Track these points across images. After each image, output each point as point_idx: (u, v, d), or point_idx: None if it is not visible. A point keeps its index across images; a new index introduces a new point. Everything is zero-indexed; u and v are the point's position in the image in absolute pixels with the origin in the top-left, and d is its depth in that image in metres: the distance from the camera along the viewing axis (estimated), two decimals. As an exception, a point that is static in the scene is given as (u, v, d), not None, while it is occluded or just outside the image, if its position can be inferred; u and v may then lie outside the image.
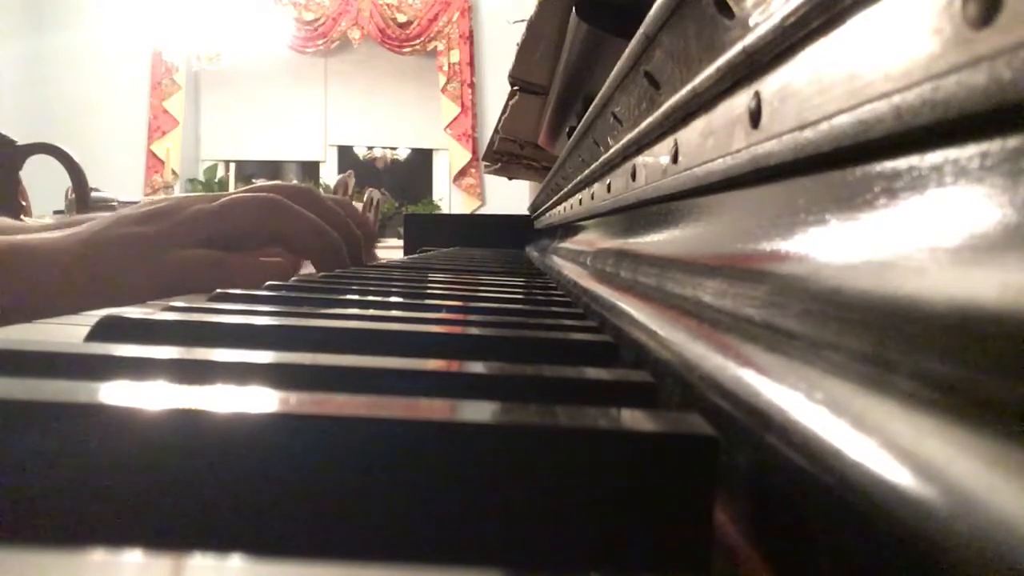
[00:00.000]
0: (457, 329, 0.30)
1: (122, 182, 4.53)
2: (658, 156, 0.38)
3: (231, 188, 5.17)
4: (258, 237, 0.52)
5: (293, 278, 0.47)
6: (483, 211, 4.92)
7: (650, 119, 0.38)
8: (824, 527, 0.12)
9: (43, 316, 0.44)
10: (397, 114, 5.39)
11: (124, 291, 0.46)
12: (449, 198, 5.28)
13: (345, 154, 5.50)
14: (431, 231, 1.91)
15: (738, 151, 0.24)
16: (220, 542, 0.12)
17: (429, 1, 5.12)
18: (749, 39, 0.23)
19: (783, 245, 0.20)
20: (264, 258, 0.53)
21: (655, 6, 0.35)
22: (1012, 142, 0.12)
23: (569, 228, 0.95)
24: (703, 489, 0.13)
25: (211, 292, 0.45)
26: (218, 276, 0.48)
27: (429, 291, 0.48)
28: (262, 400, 0.14)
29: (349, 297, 0.41)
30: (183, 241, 0.49)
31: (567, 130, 1.04)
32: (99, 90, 5.05)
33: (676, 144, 0.34)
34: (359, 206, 3.67)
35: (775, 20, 0.20)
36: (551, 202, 1.16)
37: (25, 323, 0.29)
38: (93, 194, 1.93)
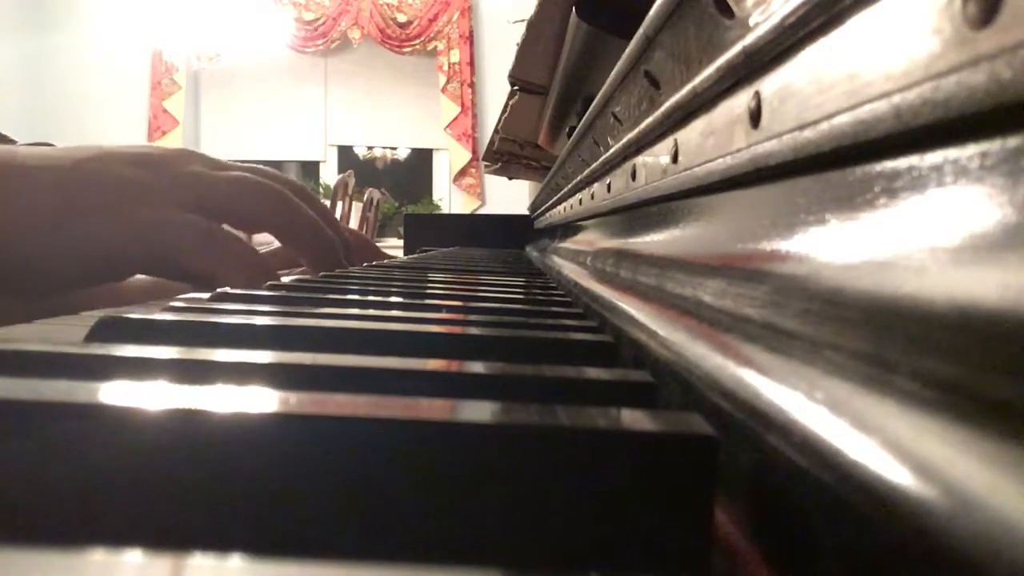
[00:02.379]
0: (457, 329, 0.30)
1: (122, 182, 4.52)
2: (658, 156, 0.38)
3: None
4: (252, 221, 0.50)
5: (292, 278, 0.47)
6: (483, 211, 4.92)
7: (650, 119, 0.38)
8: (824, 527, 0.12)
9: (10, 233, 0.41)
10: (397, 114, 5.39)
11: (101, 233, 0.43)
12: (449, 198, 5.28)
13: (345, 154, 5.50)
14: (431, 231, 1.91)
15: (738, 151, 0.24)
16: (220, 542, 0.12)
17: (429, 1, 5.12)
18: (749, 39, 0.23)
19: (783, 245, 0.20)
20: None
21: (655, 6, 0.35)
22: (1012, 142, 0.12)
23: (569, 228, 0.95)
24: (703, 489, 0.13)
25: (194, 260, 0.44)
26: (204, 249, 0.45)
27: (429, 291, 0.48)
28: (262, 400, 0.14)
29: (349, 297, 0.41)
30: (174, 198, 0.45)
31: (567, 130, 1.04)
32: (99, 90, 5.05)
33: (676, 144, 0.34)
34: (359, 206, 3.67)
35: (775, 20, 0.20)
36: (551, 202, 1.16)
37: (25, 323, 0.29)
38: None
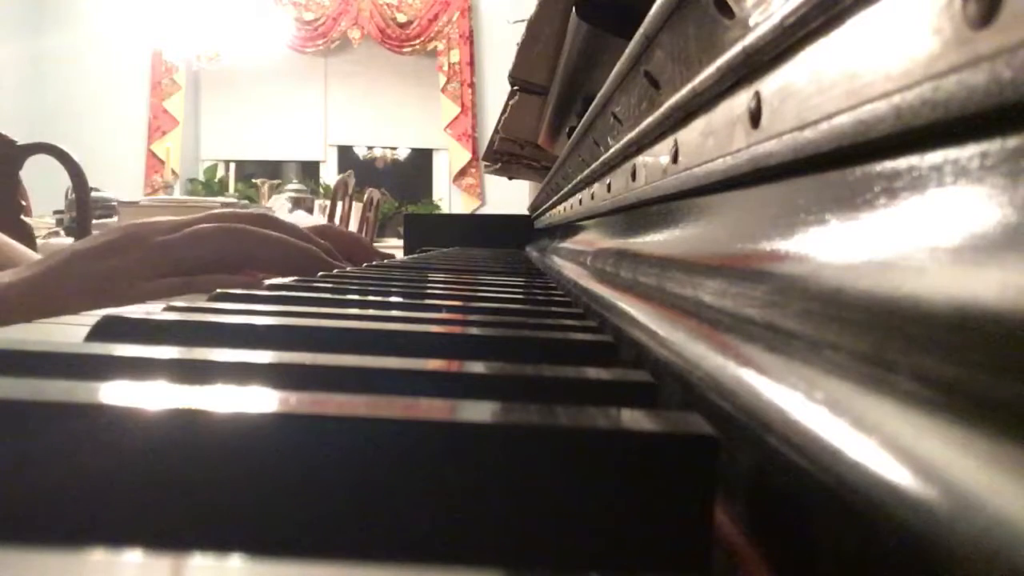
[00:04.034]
0: (457, 329, 0.30)
1: (122, 182, 4.53)
2: (658, 156, 0.38)
3: (231, 188, 5.18)
4: (226, 264, 0.51)
5: (293, 279, 0.47)
6: (483, 211, 4.92)
7: (650, 119, 0.38)
8: (824, 527, 0.12)
9: None
10: (397, 114, 5.39)
11: None
12: (449, 198, 5.28)
13: (345, 154, 5.49)
14: (431, 231, 1.91)
15: (738, 151, 0.24)
16: (220, 542, 0.12)
17: (429, 1, 5.12)
18: (749, 39, 0.23)
19: (783, 245, 0.20)
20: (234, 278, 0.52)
21: (655, 6, 0.35)
22: (1012, 142, 0.12)
23: (569, 228, 0.95)
24: (703, 489, 0.13)
25: None
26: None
27: (429, 291, 0.48)
28: (262, 400, 0.14)
29: (349, 297, 0.41)
30: (148, 274, 0.48)
31: (567, 130, 1.04)
32: (99, 90, 5.05)
33: (676, 144, 0.34)
34: (359, 206, 3.67)
35: (775, 20, 0.20)
36: (551, 202, 1.16)
37: (25, 323, 0.29)
38: (93, 194, 1.93)
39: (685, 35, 0.31)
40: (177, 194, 5.01)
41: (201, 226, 0.52)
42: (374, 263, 0.72)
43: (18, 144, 1.57)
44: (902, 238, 0.14)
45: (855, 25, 0.17)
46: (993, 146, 0.12)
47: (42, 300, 0.45)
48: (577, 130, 0.72)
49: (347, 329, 0.25)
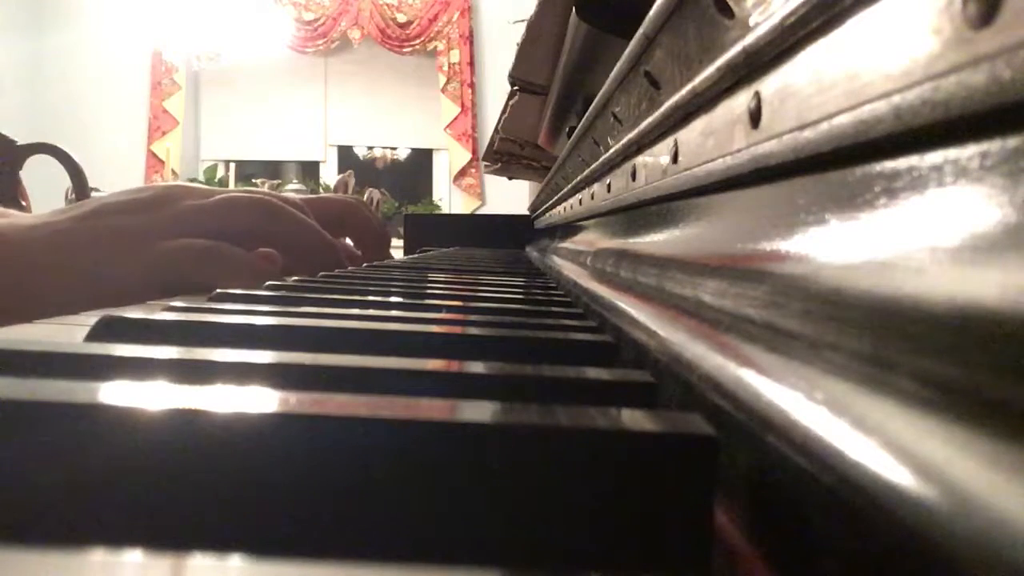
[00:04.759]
0: (457, 329, 0.30)
1: (122, 182, 4.51)
2: (658, 156, 0.38)
3: (231, 188, 5.18)
4: (252, 239, 0.51)
5: (293, 278, 0.47)
6: (483, 211, 4.93)
7: (650, 119, 0.38)
8: (824, 527, 0.12)
9: (11, 310, 0.42)
10: (397, 114, 5.39)
11: (106, 285, 0.44)
12: (449, 198, 5.28)
13: (345, 154, 5.50)
14: (431, 231, 1.91)
15: (738, 151, 0.24)
16: (220, 542, 0.12)
17: (429, 1, 5.12)
18: (749, 39, 0.23)
19: (783, 245, 0.20)
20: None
21: (655, 6, 0.35)
22: (1012, 142, 0.12)
23: (569, 228, 0.95)
24: (703, 489, 0.13)
25: (201, 285, 0.44)
26: (207, 266, 0.46)
27: (429, 291, 0.48)
28: (262, 400, 0.14)
29: (349, 297, 0.40)
30: (173, 235, 0.47)
31: (567, 130, 1.04)
32: (99, 90, 5.05)
33: (676, 144, 0.34)
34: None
35: (775, 20, 0.20)
36: (551, 202, 1.16)
37: (25, 323, 0.29)
38: (93, 194, 1.93)
39: (685, 35, 0.31)
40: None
41: (236, 195, 0.51)
42: (374, 263, 0.72)
43: (18, 144, 1.57)
44: (902, 238, 0.14)
45: (855, 25, 0.17)
46: (993, 146, 0.12)
47: (69, 256, 0.45)
48: (577, 130, 0.72)
49: (347, 329, 0.25)
